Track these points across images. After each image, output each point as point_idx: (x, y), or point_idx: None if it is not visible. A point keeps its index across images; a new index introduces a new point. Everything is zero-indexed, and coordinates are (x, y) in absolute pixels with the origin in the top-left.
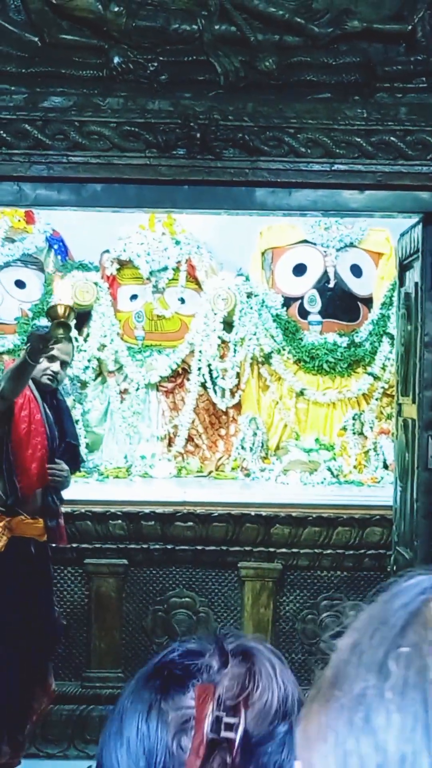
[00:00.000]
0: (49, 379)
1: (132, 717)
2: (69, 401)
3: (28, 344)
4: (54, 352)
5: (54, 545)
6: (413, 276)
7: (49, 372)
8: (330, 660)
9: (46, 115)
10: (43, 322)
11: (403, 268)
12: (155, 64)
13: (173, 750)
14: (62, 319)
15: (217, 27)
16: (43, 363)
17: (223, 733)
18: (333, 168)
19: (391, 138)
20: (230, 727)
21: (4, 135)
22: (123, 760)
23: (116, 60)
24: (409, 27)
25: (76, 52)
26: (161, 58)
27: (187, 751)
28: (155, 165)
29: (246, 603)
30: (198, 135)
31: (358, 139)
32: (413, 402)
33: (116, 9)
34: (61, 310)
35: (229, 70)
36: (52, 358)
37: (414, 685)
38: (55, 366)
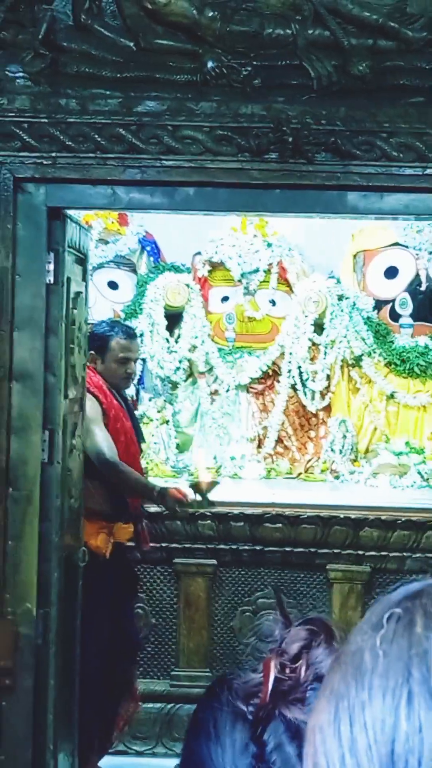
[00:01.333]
0: (127, 380)
1: (222, 725)
2: (160, 402)
3: (164, 503)
4: (128, 354)
5: (140, 549)
6: None
7: (128, 374)
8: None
9: (141, 119)
10: (136, 323)
11: None
12: (249, 68)
13: (244, 710)
14: (204, 493)
15: (310, 31)
16: (120, 367)
17: (288, 673)
18: (425, 172)
19: None
20: (294, 671)
21: (99, 139)
22: (204, 750)
23: (210, 64)
24: None
25: (170, 57)
26: (255, 63)
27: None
28: (247, 169)
29: (334, 605)
30: (290, 139)
31: None
32: None
33: (211, 14)
34: (205, 486)
35: (322, 75)
36: (126, 361)
37: (401, 635)
38: (131, 367)
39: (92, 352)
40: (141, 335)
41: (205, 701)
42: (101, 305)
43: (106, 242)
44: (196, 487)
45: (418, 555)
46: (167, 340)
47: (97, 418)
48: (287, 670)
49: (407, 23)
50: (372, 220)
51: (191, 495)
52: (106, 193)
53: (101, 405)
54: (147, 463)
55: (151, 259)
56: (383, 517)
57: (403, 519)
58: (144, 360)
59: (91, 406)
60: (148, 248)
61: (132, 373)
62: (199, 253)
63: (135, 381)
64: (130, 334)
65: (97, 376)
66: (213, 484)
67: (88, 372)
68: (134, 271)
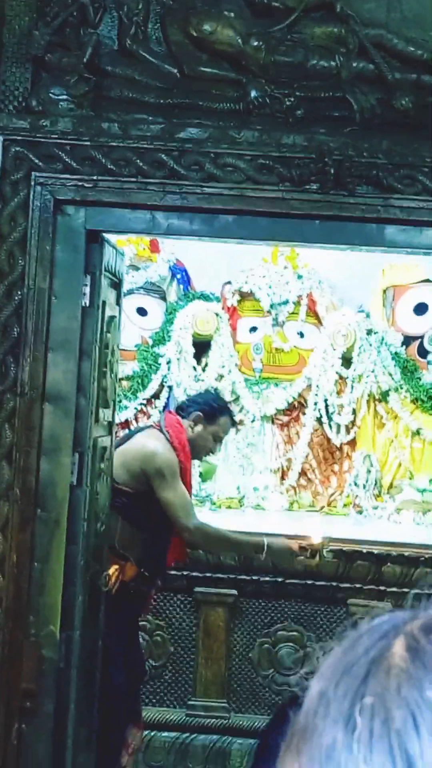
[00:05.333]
0: (207, 454)
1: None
2: None
3: (275, 555)
4: (224, 436)
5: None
6: None
7: (212, 450)
8: (301, 707)
9: (183, 145)
10: (164, 350)
11: None
12: (292, 99)
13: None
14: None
15: (354, 64)
16: (211, 442)
17: None
18: None
19: None
20: None
21: (140, 164)
22: None
23: (253, 94)
24: None
25: (213, 85)
26: (298, 93)
27: None
28: (288, 199)
29: None
30: (332, 171)
31: None
32: None
33: (256, 44)
34: (319, 546)
35: (365, 107)
36: (220, 440)
37: (380, 736)
38: (217, 447)
39: (199, 413)
40: (168, 362)
41: (273, 725)
42: (129, 331)
43: (137, 268)
44: (310, 547)
45: None
46: (194, 368)
47: (177, 474)
48: None
49: None
50: (409, 254)
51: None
52: (145, 218)
53: (180, 464)
54: None
55: (181, 287)
56: (406, 554)
57: (426, 556)
58: (170, 387)
59: (173, 461)
60: (179, 276)
61: (213, 452)
62: (229, 282)
63: (161, 408)
64: (233, 419)
65: (184, 434)
66: (326, 543)
67: (178, 426)
68: (163, 298)
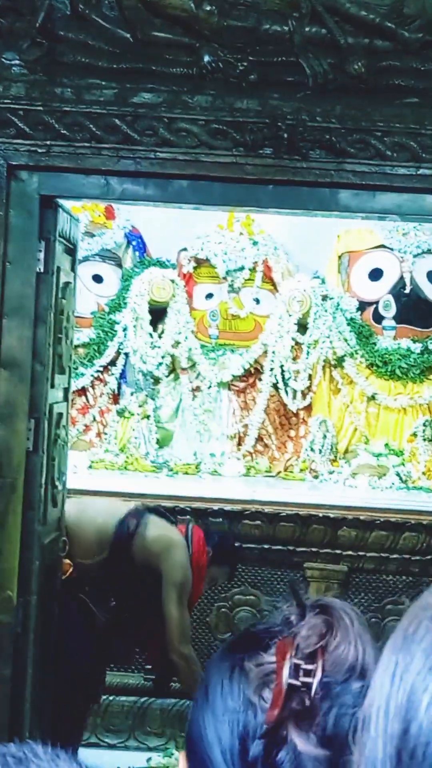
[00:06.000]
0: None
1: (216, 679)
2: (141, 397)
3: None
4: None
5: None
6: None
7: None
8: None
9: (136, 110)
10: (120, 317)
11: None
12: (245, 63)
13: (256, 702)
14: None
15: (307, 29)
16: (211, 582)
17: (302, 679)
18: (418, 172)
19: None
20: (308, 673)
21: (94, 129)
22: (209, 721)
23: (206, 58)
24: None
25: (167, 50)
26: (251, 58)
27: (269, 702)
28: (242, 164)
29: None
30: (285, 135)
31: None
32: None
33: (208, 8)
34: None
35: (318, 72)
36: (215, 585)
37: None
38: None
39: (217, 558)
40: (125, 329)
41: (215, 664)
42: (86, 298)
43: (92, 235)
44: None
45: (395, 556)
46: (151, 335)
47: (186, 590)
48: (301, 673)
49: (404, 24)
50: (362, 219)
51: None
52: (99, 183)
53: (191, 580)
54: (127, 457)
55: (137, 253)
56: (361, 518)
57: (381, 520)
58: (127, 354)
59: (187, 577)
60: (134, 243)
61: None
62: (184, 249)
63: (117, 375)
64: (232, 573)
65: (206, 555)
66: None
67: (199, 539)
68: (119, 265)
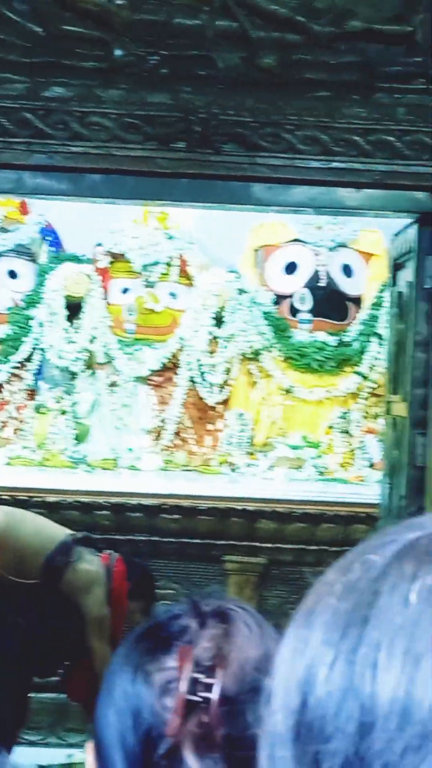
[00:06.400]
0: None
1: (120, 679)
2: (58, 392)
3: None
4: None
5: None
6: (406, 276)
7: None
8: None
9: (48, 104)
10: (35, 312)
11: (396, 267)
12: (156, 57)
13: (158, 710)
14: None
15: (218, 23)
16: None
17: (201, 694)
18: (331, 166)
19: (389, 138)
20: (207, 688)
21: (6, 123)
22: (112, 721)
23: (118, 52)
24: (409, 28)
25: (78, 44)
26: (162, 52)
27: (170, 711)
28: (154, 158)
29: (229, 597)
30: (197, 129)
31: (357, 138)
32: (403, 400)
33: (119, 2)
34: None
35: (229, 66)
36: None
37: (360, 588)
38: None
39: (136, 593)
40: (40, 324)
41: (118, 663)
42: (1, 294)
43: (6, 231)
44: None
45: (313, 547)
46: (67, 331)
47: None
48: (200, 687)
49: (314, 18)
50: (275, 213)
51: None
52: (11, 177)
53: (110, 614)
54: (44, 453)
55: (52, 248)
56: (279, 510)
57: (299, 512)
58: (43, 350)
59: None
60: (49, 238)
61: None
62: (100, 244)
63: (33, 371)
64: (149, 611)
65: (126, 590)
66: None
67: (120, 573)
68: (34, 260)
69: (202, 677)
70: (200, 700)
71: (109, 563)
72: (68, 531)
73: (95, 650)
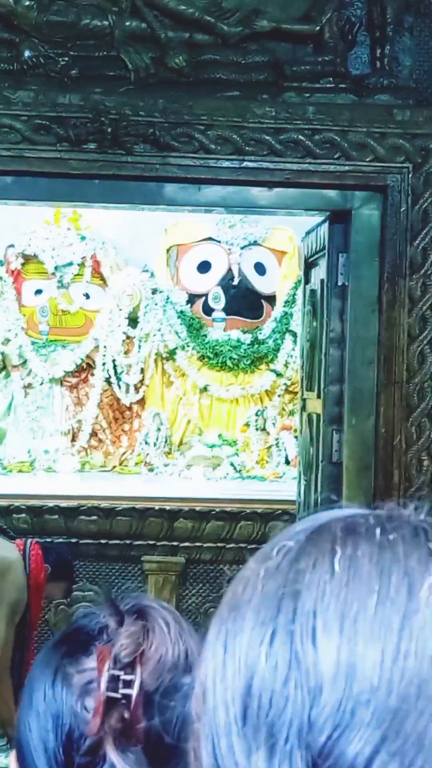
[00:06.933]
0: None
1: (39, 683)
2: None
3: None
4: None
5: None
6: (319, 273)
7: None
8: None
9: None
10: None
11: (309, 265)
12: (66, 58)
13: (78, 711)
14: None
15: (127, 23)
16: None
17: (121, 690)
18: (242, 165)
19: (300, 137)
20: (127, 684)
21: None
22: (33, 726)
23: (27, 54)
24: (317, 28)
25: None
26: (72, 53)
27: (90, 711)
28: (66, 159)
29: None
30: (109, 130)
31: (267, 137)
32: (318, 397)
33: (27, 3)
34: None
35: (139, 67)
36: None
37: (283, 569)
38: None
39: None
40: None
41: (39, 666)
42: None
43: None
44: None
45: (231, 545)
46: None
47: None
48: (120, 684)
49: (223, 18)
50: (188, 212)
51: None
52: None
53: (26, 599)
54: None
55: None
56: (197, 508)
57: (216, 510)
58: None
59: (21, 596)
60: None
61: None
62: (12, 245)
63: None
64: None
65: (44, 573)
66: None
67: (37, 556)
68: None
69: (121, 674)
70: (120, 696)
71: (24, 548)
72: None
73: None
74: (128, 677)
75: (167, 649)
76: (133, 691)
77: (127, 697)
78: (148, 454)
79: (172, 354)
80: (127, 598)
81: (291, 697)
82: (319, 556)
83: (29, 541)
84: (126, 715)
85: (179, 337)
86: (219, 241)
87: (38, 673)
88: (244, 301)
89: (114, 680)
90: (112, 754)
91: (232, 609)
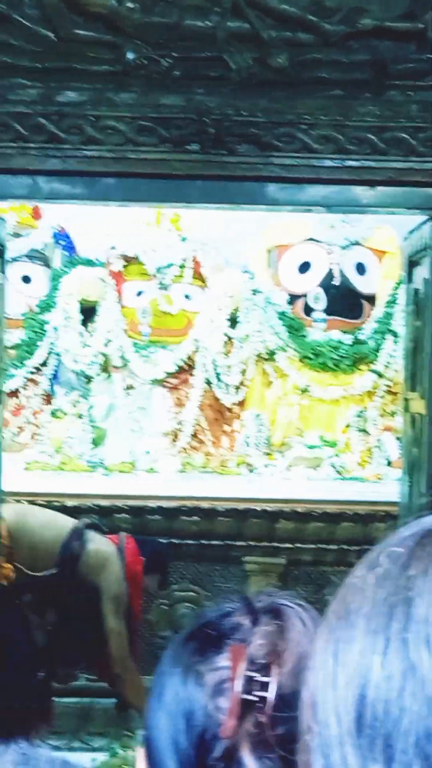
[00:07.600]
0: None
1: (170, 680)
2: (74, 396)
3: None
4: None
5: None
6: (422, 272)
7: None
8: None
9: (61, 109)
10: (50, 317)
11: (411, 264)
12: (169, 59)
13: (211, 711)
14: None
15: (230, 23)
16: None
17: (256, 693)
18: (345, 164)
19: (403, 135)
20: (263, 686)
21: (20, 128)
22: (163, 724)
23: (130, 56)
24: (420, 25)
25: (90, 48)
26: (174, 54)
27: (224, 712)
28: (169, 160)
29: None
30: (211, 130)
31: (370, 136)
32: (422, 397)
33: (130, 5)
34: None
35: (242, 67)
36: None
37: (394, 576)
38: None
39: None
40: (55, 329)
41: (167, 666)
42: (15, 299)
43: (20, 236)
44: None
45: (332, 546)
46: (82, 335)
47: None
48: (255, 686)
49: (325, 17)
50: (291, 212)
51: None
52: (26, 183)
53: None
54: (62, 458)
55: (66, 253)
56: (298, 510)
57: (318, 511)
58: (59, 354)
59: (122, 589)
60: (62, 242)
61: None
62: (113, 247)
63: (49, 375)
64: (163, 583)
65: (140, 565)
66: None
67: (132, 549)
68: (48, 265)
69: (257, 676)
70: (256, 699)
71: (119, 542)
72: (75, 520)
73: (112, 629)
74: (264, 679)
75: (304, 650)
76: (269, 694)
77: (263, 699)
78: (248, 455)
79: (272, 355)
80: (262, 595)
81: (407, 708)
82: (429, 563)
83: (123, 535)
84: (261, 719)
85: (279, 337)
86: (319, 242)
87: (167, 670)
88: (345, 301)
89: (249, 682)
90: (247, 760)
91: (341, 617)
